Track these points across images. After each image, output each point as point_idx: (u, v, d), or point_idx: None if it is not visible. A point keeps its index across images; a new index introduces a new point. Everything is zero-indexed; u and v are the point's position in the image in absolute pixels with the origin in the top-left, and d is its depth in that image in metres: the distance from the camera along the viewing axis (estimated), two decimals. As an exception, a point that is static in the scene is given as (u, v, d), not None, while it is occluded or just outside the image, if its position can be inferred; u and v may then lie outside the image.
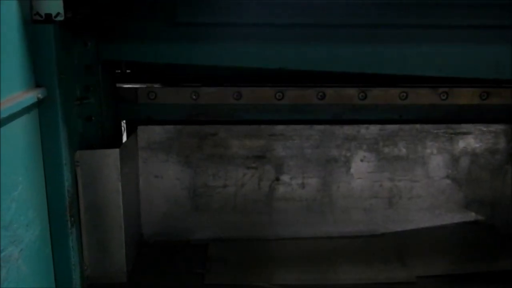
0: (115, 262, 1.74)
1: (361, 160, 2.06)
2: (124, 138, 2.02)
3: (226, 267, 1.87)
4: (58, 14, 1.37)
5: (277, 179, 2.05)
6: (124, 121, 2.03)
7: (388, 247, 1.99)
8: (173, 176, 2.03)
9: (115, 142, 1.84)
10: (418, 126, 2.04)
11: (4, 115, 1.18)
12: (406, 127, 2.04)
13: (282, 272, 1.85)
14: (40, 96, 1.36)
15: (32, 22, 1.36)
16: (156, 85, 1.98)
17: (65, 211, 1.46)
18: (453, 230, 2.08)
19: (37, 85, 1.37)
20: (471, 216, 2.11)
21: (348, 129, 2.03)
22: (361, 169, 2.06)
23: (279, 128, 2.03)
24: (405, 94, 1.96)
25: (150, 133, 1.99)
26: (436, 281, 1.79)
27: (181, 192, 2.04)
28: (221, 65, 1.81)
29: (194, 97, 1.94)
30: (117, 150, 1.65)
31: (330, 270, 1.85)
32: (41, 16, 1.36)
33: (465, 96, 2.00)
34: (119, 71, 1.99)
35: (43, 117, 1.39)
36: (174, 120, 2.00)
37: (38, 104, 1.37)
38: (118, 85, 1.97)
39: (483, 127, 2.06)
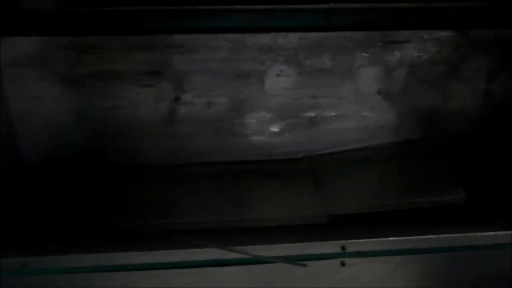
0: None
1: (278, 75, 1.74)
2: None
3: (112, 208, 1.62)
4: None
5: (177, 98, 1.74)
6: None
7: (305, 174, 1.75)
8: (52, 97, 1.68)
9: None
10: (347, 33, 1.71)
11: None
12: (333, 35, 1.70)
13: (180, 209, 1.62)
14: None
15: None
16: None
17: None
18: (382, 152, 1.84)
19: None
20: (404, 135, 1.86)
21: (262, 38, 1.68)
22: (278, 85, 1.75)
23: (179, 38, 1.67)
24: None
25: (16, 46, 1.60)
26: (348, 221, 1.59)
27: (65, 116, 1.72)
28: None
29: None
30: None
31: (237, 206, 1.64)
32: None
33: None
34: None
35: None
36: (45, 29, 1.61)
37: None
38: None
39: (425, 34, 1.73)
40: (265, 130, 1.81)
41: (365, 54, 1.72)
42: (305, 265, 1.46)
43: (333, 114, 1.81)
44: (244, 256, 1.45)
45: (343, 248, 1.49)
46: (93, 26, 1.60)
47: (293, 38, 1.68)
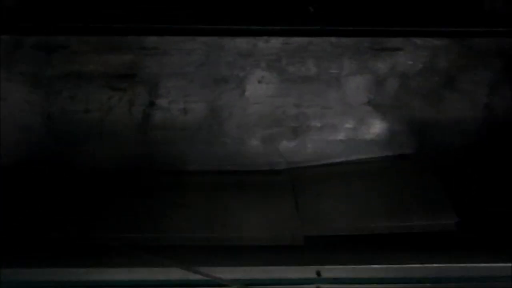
0: None
1: (259, 82, 1.63)
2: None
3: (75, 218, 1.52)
4: None
5: (152, 103, 1.64)
6: None
7: (285, 188, 1.63)
8: (20, 98, 1.61)
9: None
10: (333, 39, 1.59)
11: None
12: (318, 40, 1.59)
13: (148, 222, 1.51)
14: None
15: None
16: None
17: None
18: (370, 167, 1.71)
19: None
20: (394, 150, 1.73)
21: (241, 42, 1.58)
22: (258, 92, 1.65)
23: (152, 40, 1.57)
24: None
25: (-19, 45, 1.54)
26: (327, 243, 1.47)
27: (34, 118, 1.64)
28: None
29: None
30: None
31: (210, 222, 1.53)
32: None
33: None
34: None
35: None
36: (8, 28, 1.53)
37: None
38: None
39: (418, 41, 1.60)
40: (245, 139, 1.70)
41: (353, 62, 1.61)
42: (270, 297, 1.35)
43: (318, 124, 1.69)
44: (208, 278, 1.35)
45: (318, 273, 1.37)
46: (59, 25, 1.51)
47: (275, 42, 1.57)
